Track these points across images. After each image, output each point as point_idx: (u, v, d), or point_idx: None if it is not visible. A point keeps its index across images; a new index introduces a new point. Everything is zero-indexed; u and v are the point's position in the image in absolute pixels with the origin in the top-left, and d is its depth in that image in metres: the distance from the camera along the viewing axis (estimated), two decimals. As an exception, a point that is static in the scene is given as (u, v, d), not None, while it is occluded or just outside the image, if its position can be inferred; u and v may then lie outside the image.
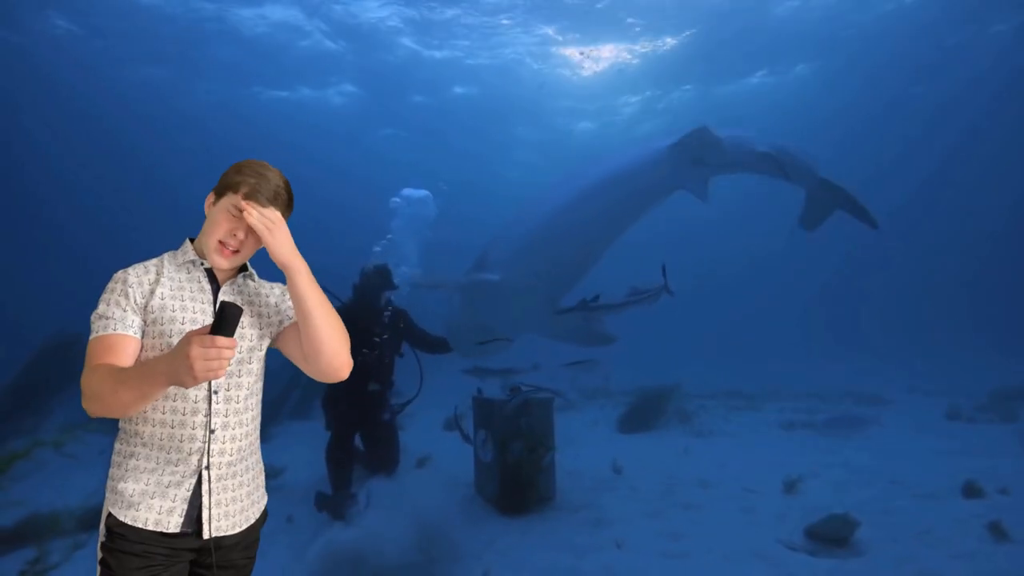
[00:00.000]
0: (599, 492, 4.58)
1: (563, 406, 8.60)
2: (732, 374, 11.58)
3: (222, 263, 1.38)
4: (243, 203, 1.32)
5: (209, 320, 1.36)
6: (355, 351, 3.85)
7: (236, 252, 1.38)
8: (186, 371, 1.11)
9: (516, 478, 4.22)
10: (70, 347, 7.96)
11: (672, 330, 17.43)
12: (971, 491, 4.19)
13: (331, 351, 1.38)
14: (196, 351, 1.09)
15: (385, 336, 4.41)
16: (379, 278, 4.48)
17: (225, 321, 1.11)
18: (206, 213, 1.40)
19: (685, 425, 7.17)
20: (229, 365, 1.36)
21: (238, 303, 1.40)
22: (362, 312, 4.37)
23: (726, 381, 10.47)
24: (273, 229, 1.32)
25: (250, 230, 1.36)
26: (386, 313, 4.48)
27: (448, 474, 4.94)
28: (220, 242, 1.36)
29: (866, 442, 6.14)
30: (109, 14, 11.95)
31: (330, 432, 4.42)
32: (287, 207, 1.41)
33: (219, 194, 1.38)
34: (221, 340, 1.10)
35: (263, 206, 1.34)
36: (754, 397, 9.15)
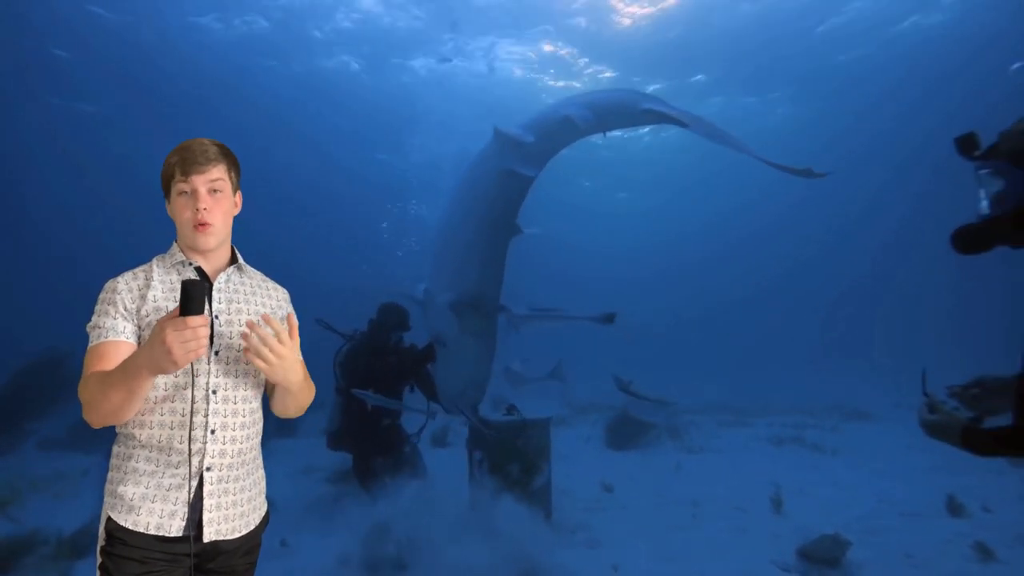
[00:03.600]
0: (593, 512, 4.61)
1: (556, 421, 8.64)
2: (721, 387, 11.68)
3: (207, 241, 1.37)
4: (251, 339, 1.26)
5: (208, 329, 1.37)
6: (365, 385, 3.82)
7: (211, 224, 1.36)
8: (165, 357, 1.11)
9: (512, 499, 4.24)
10: (59, 365, 7.84)
11: (662, 343, 17.60)
12: (955, 509, 4.29)
13: (294, 415, 1.53)
14: (171, 336, 1.10)
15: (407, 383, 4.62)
16: (395, 317, 4.64)
17: (191, 299, 1.11)
18: (172, 218, 1.40)
19: (676, 441, 7.22)
20: (226, 358, 1.37)
21: (233, 297, 1.42)
22: (374, 351, 4.54)
23: (716, 394, 10.57)
24: (272, 366, 1.28)
25: (207, 195, 1.35)
26: (397, 349, 4.64)
27: (442, 493, 4.94)
28: (193, 227, 1.35)
29: (854, 458, 6.24)
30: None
31: (353, 458, 4.71)
32: (225, 159, 1.39)
33: (166, 193, 1.38)
34: (192, 320, 1.11)
35: (198, 172, 1.33)
36: (743, 411, 9.24)
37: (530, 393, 5.22)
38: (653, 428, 7.41)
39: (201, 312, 1.13)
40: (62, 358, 7.91)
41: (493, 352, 5.20)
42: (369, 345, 4.66)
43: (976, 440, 1.35)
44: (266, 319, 1.28)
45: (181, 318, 1.11)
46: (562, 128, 5.11)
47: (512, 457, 4.33)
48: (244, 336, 1.27)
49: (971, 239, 1.39)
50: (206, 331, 1.13)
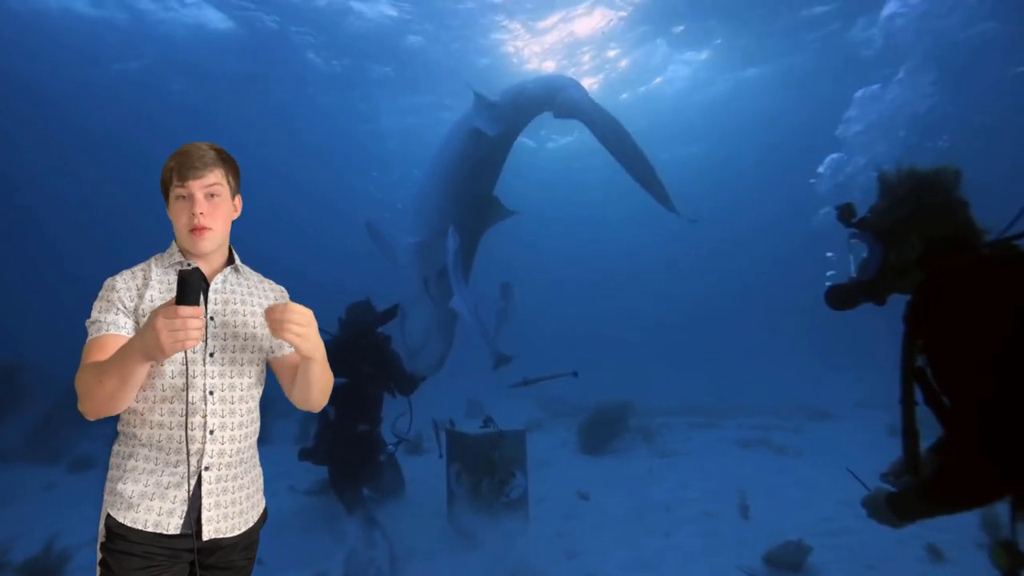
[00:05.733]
0: (570, 520, 4.70)
1: (531, 426, 8.74)
2: (693, 388, 11.97)
3: (204, 246, 1.38)
4: (273, 314, 1.27)
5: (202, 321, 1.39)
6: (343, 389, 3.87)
7: (208, 228, 1.36)
8: (155, 344, 1.13)
9: (489, 512, 4.30)
10: (13, 374, 7.57)
11: (635, 344, 17.89)
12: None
13: (317, 403, 1.51)
14: (160, 323, 1.11)
15: (369, 371, 4.53)
16: (367, 315, 4.63)
17: (186, 288, 1.12)
18: (171, 219, 1.41)
19: (649, 444, 7.40)
20: (222, 360, 1.39)
21: (230, 298, 1.44)
22: (348, 347, 4.52)
23: (687, 396, 10.83)
24: (304, 334, 1.29)
25: (203, 200, 1.35)
26: (366, 339, 4.60)
27: (420, 505, 4.97)
28: (190, 230, 1.36)
29: (817, 459, 6.50)
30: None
31: (328, 468, 4.64)
32: (222, 163, 1.40)
33: (165, 195, 1.39)
34: (184, 309, 1.11)
35: (195, 177, 1.34)
36: (713, 412, 9.50)
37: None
38: (627, 432, 7.57)
39: (196, 303, 1.13)
40: (14, 370, 7.65)
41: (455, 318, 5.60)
42: (342, 346, 4.60)
43: (903, 505, 1.44)
44: (268, 310, 1.29)
45: (173, 307, 1.12)
46: (526, 99, 5.71)
47: (489, 469, 4.39)
48: (267, 315, 1.27)
49: (840, 298, 1.58)
50: (198, 322, 1.13)
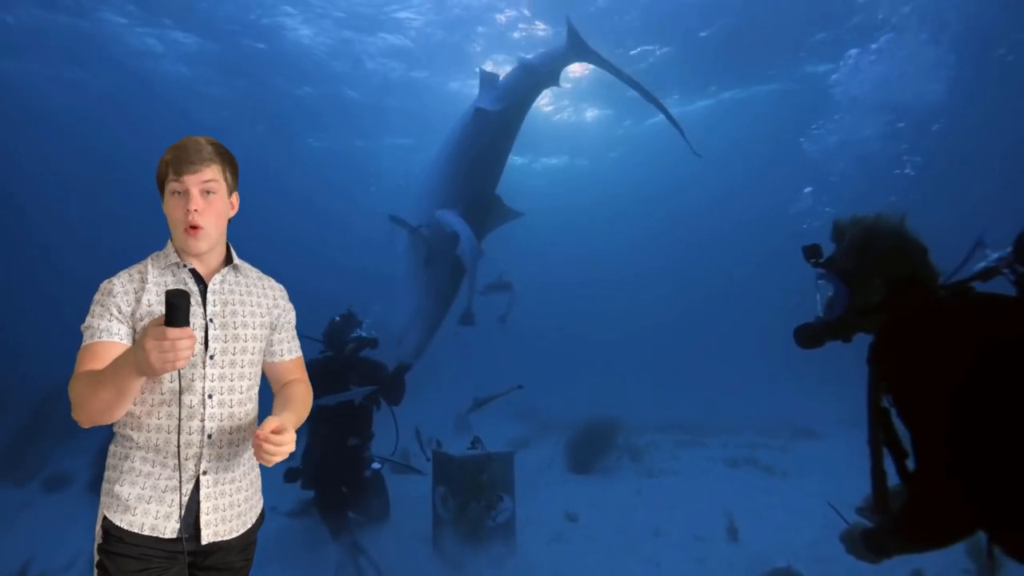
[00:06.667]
0: (559, 545, 4.66)
1: (517, 443, 8.69)
2: (676, 403, 11.99)
3: (198, 246, 1.36)
4: (261, 453, 1.26)
5: (199, 321, 1.37)
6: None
7: (201, 228, 1.34)
8: (145, 363, 1.11)
9: (476, 536, 4.25)
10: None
11: (620, 360, 17.91)
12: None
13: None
14: (150, 343, 1.10)
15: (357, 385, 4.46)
16: (346, 326, 4.56)
17: (174, 310, 1.10)
18: (166, 215, 1.39)
19: (636, 463, 7.38)
20: (221, 362, 1.37)
21: (228, 299, 1.42)
22: (334, 361, 4.46)
23: (673, 412, 10.84)
24: (279, 452, 1.27)
25: (199, 196, 1.33)
26: (350, 345, 4.52)
27: (405, 529, 4.89)
28: (184, 229, 1.34)
29: (803, 480, 6.53)
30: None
31: (314, 490, 4.47)
32: (220, 159, 1.37)
33: (160, 188, 1.37)
34: (172, 331, 1.09)
35: (191, 172, 1.31)
36: (699, 430, 9.50)
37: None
38: (615, 449, 7.55)
39: (185, 323, 1.12)
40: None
41: (445, 307, 5.78)
42: (329, 362, 4.50)
43: (877, 542, 1.46)
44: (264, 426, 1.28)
45: (162, 328, 1.10)
46: (526, 74, 5.77)
47: (476, 492, 4.34)
48: (255, 449, 1.27)
49: (807, 336, 1.62)
50: (188, 342, 1.12)
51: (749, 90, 14.58)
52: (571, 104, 15.22)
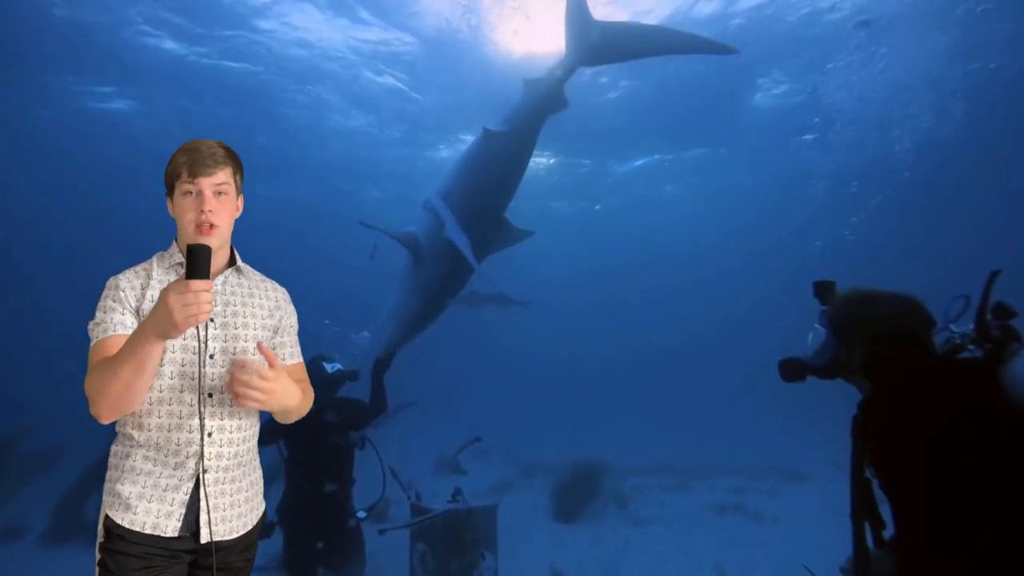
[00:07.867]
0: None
1: (501, 487, 8.46)
2: (664, 446, 11.83)
3: (210, 243, 1.35)
4: (235, 386, 1.29)
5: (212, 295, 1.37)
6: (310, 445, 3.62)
7: (216, 226, 1.36)
8: (167, 320, 1.14)
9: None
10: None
11: (603, 401, 17.71)
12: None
13: (296, 418, 1.52)
14: (173, 298, 1.13)
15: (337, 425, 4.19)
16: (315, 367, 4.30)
17: (196, 262, 1.15)
18: (173, 216, 1.41)
19: (623, 511, 7.18)
20: (221, 362, 1.39)
21: (230, 300, 1.44)
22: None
23: (658, 455, 10.67)
24: (263, 402, 1.31)
25: (212, 197, 1.36)
26: (332, 373, 4.29)
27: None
28: (195, 226, 1.35)
29: (792, 528, 6.40)
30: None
31: (289, 546, 4.12)
32: (231, 161, 1.40)
33: (170, 190, 1.39)
34: (195, 283, 1.15)
35: (205, 175, 1.34)
36: (685, 473, 9.34)
37: None
38: (601, 495, 7.37)
39: (207, 276, 1.17)
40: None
41: (428, 308, 5.84)
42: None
43: None
44: (259, 348, 1.32)
45: (184, 281, 1.15)
46: (529, 92, 5.68)
47: (458, 550, 4.14)
48: (228, 386, 1.31)
49: (791, 369, 1.66)
50: (209, 295, 1.16)
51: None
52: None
